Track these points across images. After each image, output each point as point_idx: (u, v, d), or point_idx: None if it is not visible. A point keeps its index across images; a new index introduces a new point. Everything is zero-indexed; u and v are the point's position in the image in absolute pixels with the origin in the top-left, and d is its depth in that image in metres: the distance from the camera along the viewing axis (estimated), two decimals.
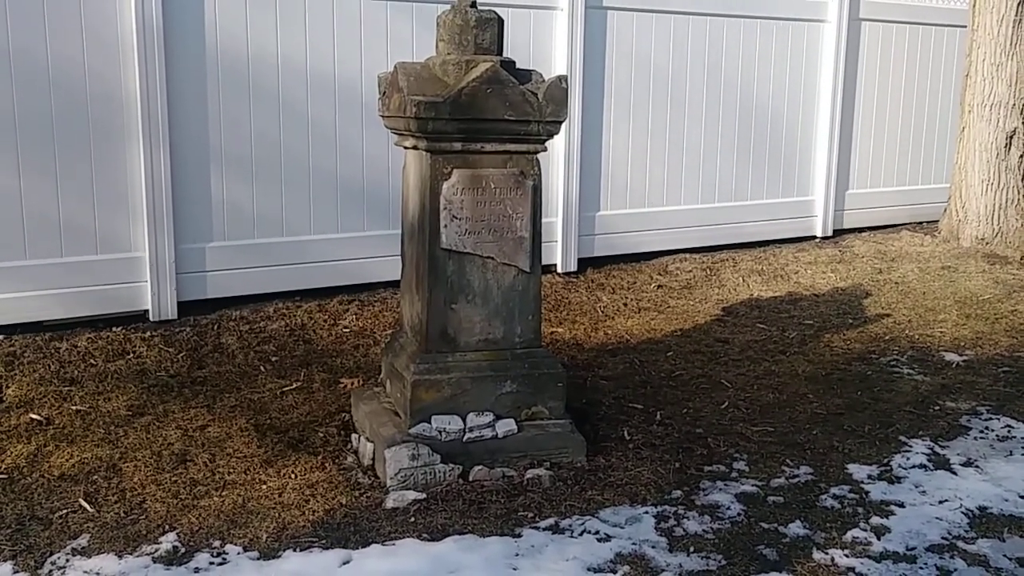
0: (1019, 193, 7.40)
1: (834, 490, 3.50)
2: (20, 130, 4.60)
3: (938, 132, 8.23)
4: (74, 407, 4.08)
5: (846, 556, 3.05)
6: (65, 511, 3.26)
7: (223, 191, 5.15)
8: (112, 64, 4.77)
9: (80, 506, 3.29)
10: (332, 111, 5.40)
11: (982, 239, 7.36)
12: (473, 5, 3.54)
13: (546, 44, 6.03)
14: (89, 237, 4.84)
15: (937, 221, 7.91)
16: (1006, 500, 3.44)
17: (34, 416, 3.97)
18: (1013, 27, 7.20)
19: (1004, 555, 3.08)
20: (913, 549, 3.12)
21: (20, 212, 4.65)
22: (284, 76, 5.23)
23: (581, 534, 3.14)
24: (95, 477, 3.49)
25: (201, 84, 5.02)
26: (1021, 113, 7.32)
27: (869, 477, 3.61)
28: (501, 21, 3.57)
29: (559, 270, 6.28)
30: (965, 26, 7.61)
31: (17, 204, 4.65)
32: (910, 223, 8.14)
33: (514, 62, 3.56)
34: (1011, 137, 7.31)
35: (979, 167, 7.37)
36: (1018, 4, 7.17)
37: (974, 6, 7.37)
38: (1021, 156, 7.39)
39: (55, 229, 4.75)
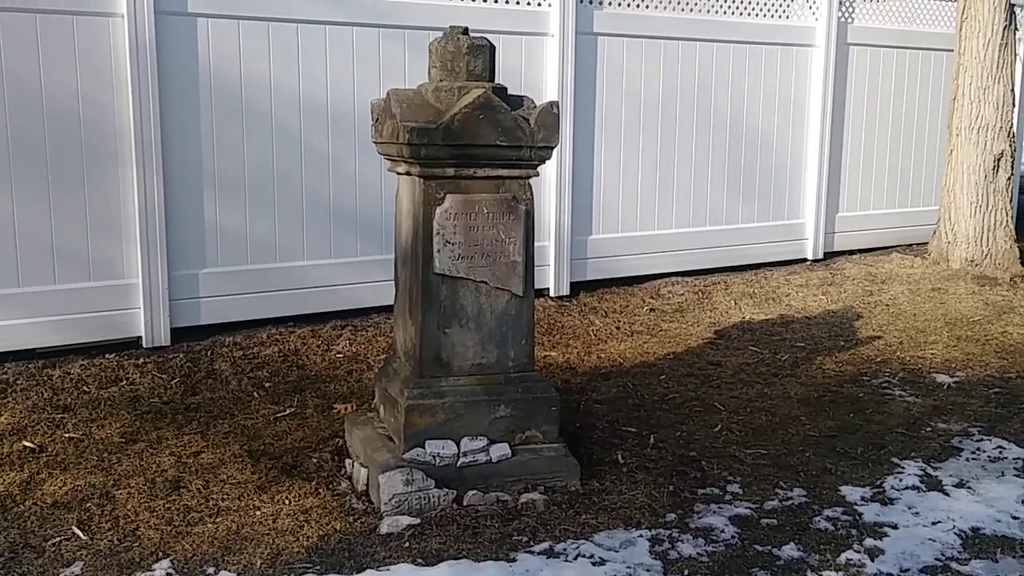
0: (1007, 215, 7.46)
1: (827, 512, 3.50)
2: (13, 156, 4.62)
3: (927, 155, 8.30)
4: (67, 434, 4.06)
5: None
6: (58, 539, 3.25)
7: (216, 217, 5.17)
8: (105, 90, 4.79)
9: (73, 534, 3.28)
10: (325, 137, 5.43)
11: (971, 261, 7.41)
12: (465, 32, 3.58)
13: (537, 70, 6.08)
14: (82, 264, 4.84)
15: (927, 243, 7.96)
16: (999, 521, 3.45)
17: (27, 444, 3.95)
18: (999, 51, 7.28)
19: None
20: (907, 571, 3.12)
21: (13, 239, 4.66)
22: (277, 102, 5.27)
23: (576, 558, 3.14)
24: (88, 504, 3.48)
25: (194, 110, 5.05)
26: (1008, 136, 7.40)
27: (862, 499, 3.62)
28: (493, 48, 3.60)
29: (552, 294, 6.30)
30: (952, 50, 7.70)
31: (10, 231, 4.65)
32: (900, 245, 8.19)
33: (506, 88, 3.59)
34: (998, 160, 7.37)
35: (967, 189, 7.43)
36: (1003, 28, 7.26)
37: (960, 30, 7.46)
38: (1009, 178, 7.46)
39: (48, 256, 4.76)
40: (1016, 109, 7.65)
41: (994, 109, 7.33)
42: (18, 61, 4.59)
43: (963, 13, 7.41)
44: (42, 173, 4.70)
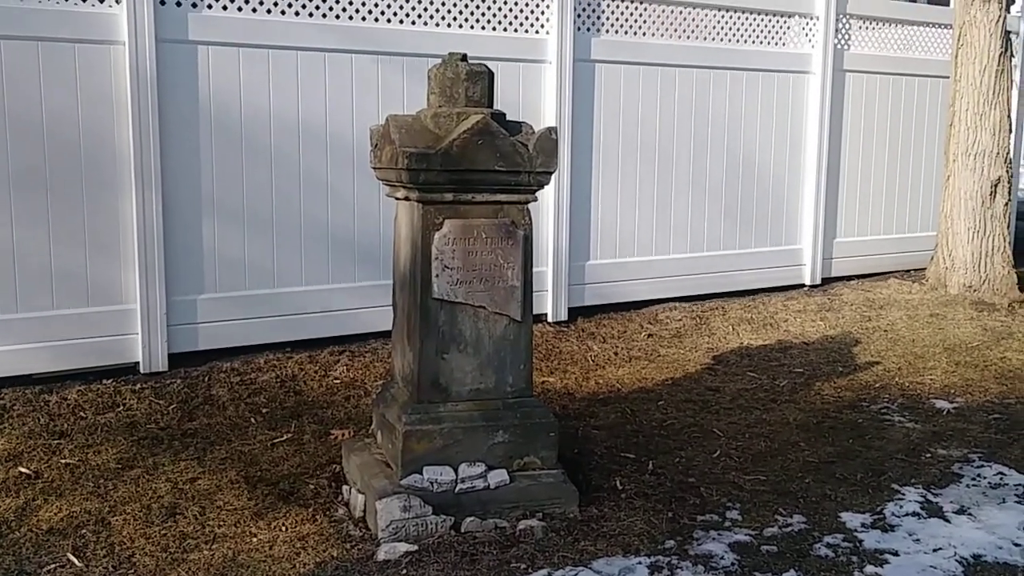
0: (1005, 241, 7.48)
1: (828, 539, 3.48)
2: (13, 182, 4.63)
3: (924, 181, 8.33)
4: (63, 460, 4.04)
5: None
6: (53, 566, 3.22)
7: (215, 242, 5.18)
8: (106, 117, 4.82)
9: (68, 560, 3.26)
10: (324, 163, 5.45)
11: (969, 286, 7.42)
12: (464, 59, 3.60)
13: (536, 96, 6.11)
14: (81, 289, 4.84)
15: (924, 269, 7.97)
16: (1000, 548, 3.43)
17: (23, 469, 3.93)
18: (995, 77, 7.33)
19: None
20: None
21: (12, 264, 4.66)
22: (276, 128, 5.29)
23: None
24: (84, 531, 3.46)
25: (194, 136, 5.07)
26: (1005, 162, 7.43)
27: (863, 525, 3.60)
28: (491, 74, 3.62)
29: (550, 319, 6.30)
30: (948, 77, 7.74)
31: (9, 257, 4.66)
32: (898, 271, 8.20)
33: (504, 114, 3.61)
34: (995, 185, 7.40)
35: (965, 215, 7.45)
36: (999, 55, 7.31)
37: (956, 57, 7.51)
38: (1006, 204, 7.49)
39: (47, 281, 4.75)
40: (1013, 135, 7.69)
41: (991, 135, 7.36)
42: (20, 88, 4.61)
43: (959, 40, 7.47)
44: (42, 199, 4.71)
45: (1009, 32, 7.65)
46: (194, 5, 5.01)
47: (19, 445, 4.16)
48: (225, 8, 5.10)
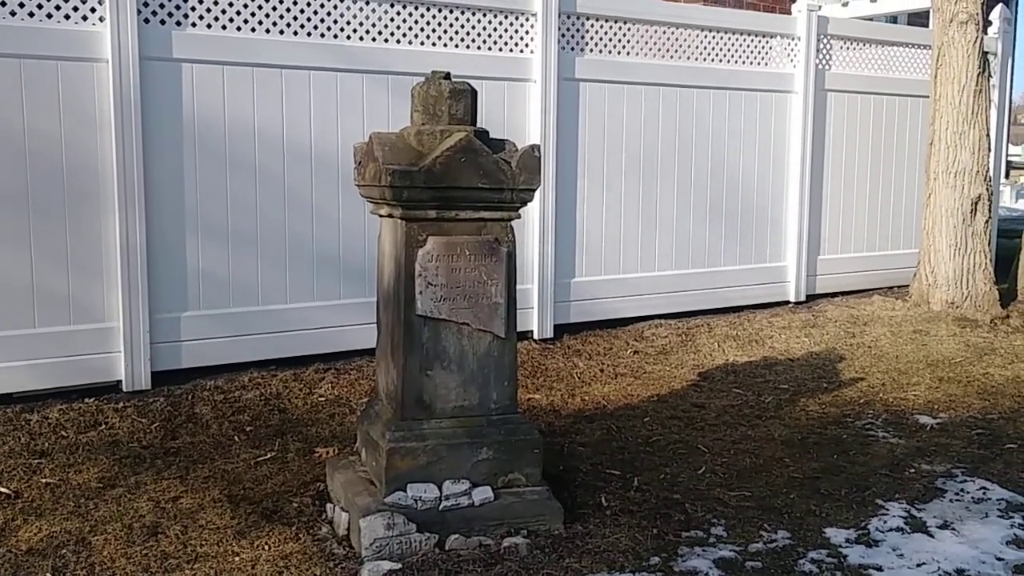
0: (986, 257, 7.54)
1: (812, 554, 3.48)
2: None
3: (905, 198, 8.40)
4: (44, 480, 4.01)
5: None
6: None
7: (199, 260, 5.16)
8: (89, 134, 4.81)
9: None
10: (308, 180, 5.45)
11: (952, 303, 7.47)
12: (447, 77, 3.62)
13: (520, 115, 6.14)
14: (63, 307, 4.82)
15: (907, 286, 8.02)
16: (983, 563, 3.44)
17: (2, 489, 3.89)
18: (974, 97, 7.41)
19: None
20: None
21: None
22: (261, 146, 5.29)
23: None
24: (64, 551, 3.42)
25: (178, 154, 5.06)
26: (985, 180, 7.50)
27: (847, 541, 3.60)
28: (474, 92, 3.64)
29: (535, 336, 6.30)
30: (928, 96, 7.83)
31: None
32: (881, 288, 8.25)
33: (487, 132, 3.62)
34: (976, 203, 7.47)
35: (946, 232, 7.51)
36: (977, 75, 7.39)
37: (936, 77, 7.59)
38: (987, 221, 7.55)
39: (28, 299, 4.73)
40: (992, 153, 7.77)
41: (970, 154, 7.44)
42: (1, 106, 4.60)
43: (938, 60, 7.55)
44: (23, 217, 4.69)
45: (987, 52, 7.75)
46: (178, 23, 5.02)
47: None
48: (209, 26, 5.11)
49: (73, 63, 4.74)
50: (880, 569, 3.38)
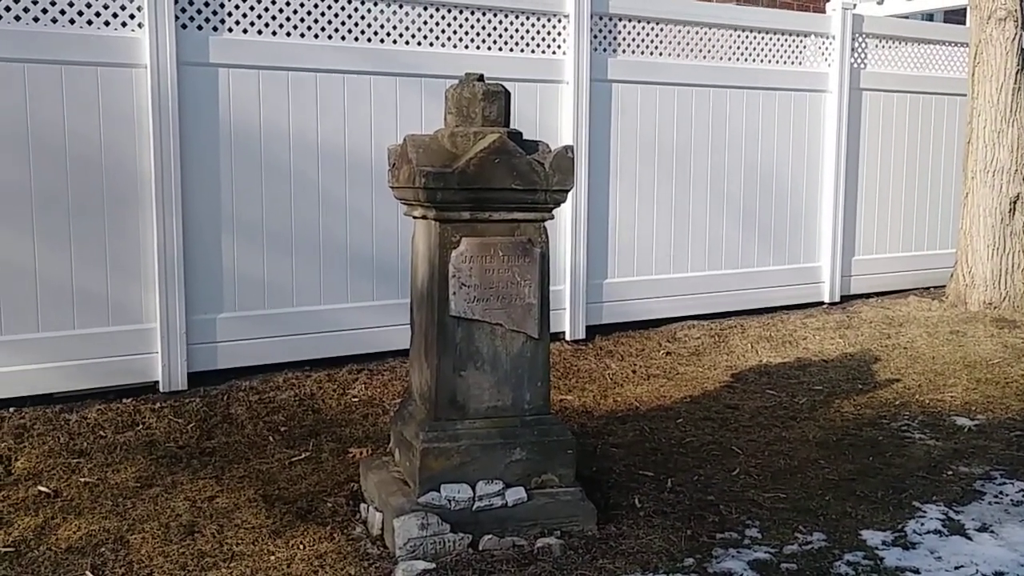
0: None
1: (848, 556, 3.46)
2: (36, 203, 4.69)
3: (942, 198, 8.29)
4: (82, 479, 4.07)
5: None
6: None
7: (234, 262, 5.22)
8: (128, 139, 4.88)
9: None
10: (343, 183, 5.49)
11: (989, 303, 7.37)
12: (480, 79, 3.63)
13: (552, 116, 6.14)
14: (102, 309, 4.89)
15: (944, 286, 7.93)
16: (1022, 565, 3.40)
17: (42, 488, 3.96)
18: (1012, 95, 7.31)
19: None
20: None
21: (35, 285, 4.72)
22: (296, 149, 5.34)
23: None
24: (102, 549, 3.47)
25: (214, 157, 5.12)
26: (1023, 179, 7.39)
27: (883, 543, 3.57)
28: (508, 94, 3.65)
29: (567, 337, 6.30)
30: (965, 95, 7.73)
31: (32, 277, 4.71)
32: (917, 288, 8.16)
33: (521, 133, 3.63)
34: (1015, 202, 7.37)
35: (984, 232, 7.41)
36: (1016, 72, 7.29)
37: (973, 75, 7.50)
38: None
39: (68, 301, 4.80)
40: None
41: (1008, 152, 7.34)
42: (43, 111, 4.68)
43: (975, 58, 7.46)
44: (64, 220, 4.77)
45: None
46: (215, 29, 5.08)
47: (39, 464, 4.19)
48: (245, 32, 5.16)
49: (113, 69, 4.81)
50: (917, 572, 3.35)
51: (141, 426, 4.64)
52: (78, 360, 4.83)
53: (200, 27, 5.05)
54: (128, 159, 4.89)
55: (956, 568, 3.38)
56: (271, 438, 4.61)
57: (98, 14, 4.78)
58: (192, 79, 5.01)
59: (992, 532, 3.68)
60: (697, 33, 6.77)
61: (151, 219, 4.94)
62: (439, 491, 3.52)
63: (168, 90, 4.90)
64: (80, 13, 4.75)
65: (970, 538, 3.63)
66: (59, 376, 4.80)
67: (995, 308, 7.34)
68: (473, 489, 3.54)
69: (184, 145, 5.00)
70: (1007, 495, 4.04)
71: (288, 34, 5.28)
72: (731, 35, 6.91)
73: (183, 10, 4.98)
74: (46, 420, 4.58)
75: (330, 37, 5.40)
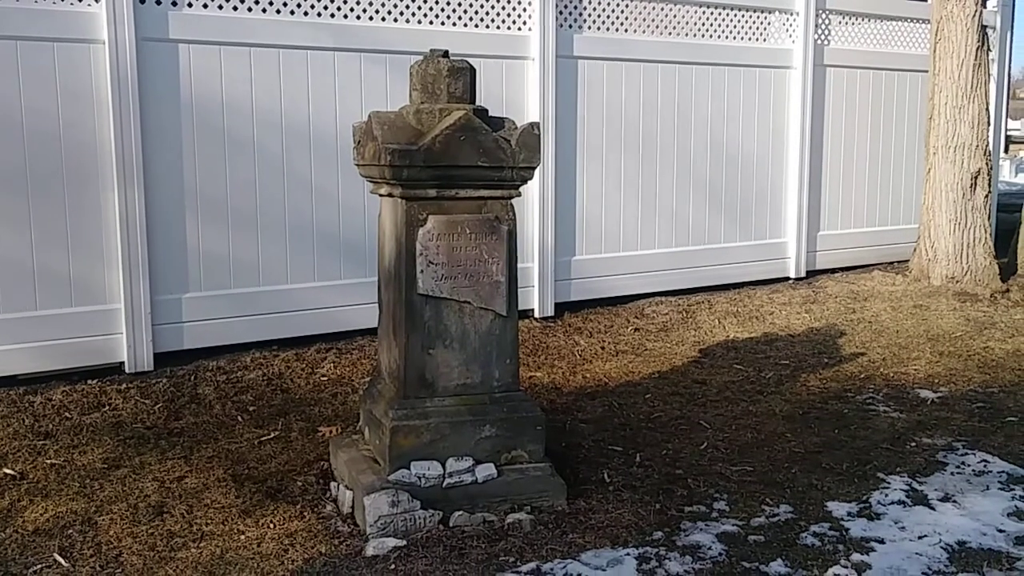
0: (986, 232, 7.54)
1: (814, 528, 3.50)
2: None
3: (905, 174, 8.39)
4: (48, 461, 4.03)
5: None
6: (40, 566, 3.21)
7: (199, 241, 5.16)
8: (87, 115, 4.80)
9: (55, 561, 3.24)
10: (308, 160, 5.44)
11: (952, 277, 7.48)
12: (445, 55, 3.60)
13: (519, 93, 6.12)
14: (64, 289, 4.82)
15: (907, 261, 8.03)
16: (984, 534, 3.46)
17: (7, 471, 3.91)
18: (973, 71, 7.38)
19: None
20: None
21: None
22: (259, 126, 5.28)
23: None
24: (70, 531, 3.44)
25: (176, 134, 5.05)
26: (984, 154, 7.49)
27: (849, 514, 3.62)
28: (473, 70, 3.62)
29: (536, 315, 6.31)
30: (927, 71, 7.80)
31: None
32: (881, 263, 8.26)
33: (487, 110, 3.61)
34: (975, 177, 7.46)
35: (946, 207, 7.51)
36: (976, 49, 7.36)
37: (935, 52, 7.57)
38: (986, 196, 7.55)
39: (30, 282, 4.73)
40: (991, 128, 7.75)
41: (970, 128, 7.42)
42: None
43: (936, 35, 7.52)
44: (23, 199, 4.69)
45: (986, 26, 7.72)
46: (174, 3, 5.00)
47: (4, 446, 4.13)
48: (206, 6, 5.08)
49: (70, 44, 4.72)
50: (882, 542, 3.40)
51: (107, 407, 4.59)
52: (41, 341, 4.77)
53: (159, 2, 4.96)
54: (88, 136, 4.81)
55: (920, 538, 3.44)
56: (239, 418, 4.58)
57: None
58: (152, 55, 4.93)
59: (954, 502, 3.75)
60: (663, 10, 6.76)
61: (112, 197, 4.87)
62: (409, 468, 3.53)
63: (127, 66, 4.82)
64: None
65: (933, 508, 3.69)
66: (22, 357, 4.73)
67: (957, 282, 7.45)
68: (443, 466, 3.55)
69: (145, 122, 4.92)
70: (969, 465, 4.11)
71: (249, 9, 5.21)
72: (696, 11, 6.92)
73: None
74: (9, 402, 4.52)
75: (292, 12, 5.33)
